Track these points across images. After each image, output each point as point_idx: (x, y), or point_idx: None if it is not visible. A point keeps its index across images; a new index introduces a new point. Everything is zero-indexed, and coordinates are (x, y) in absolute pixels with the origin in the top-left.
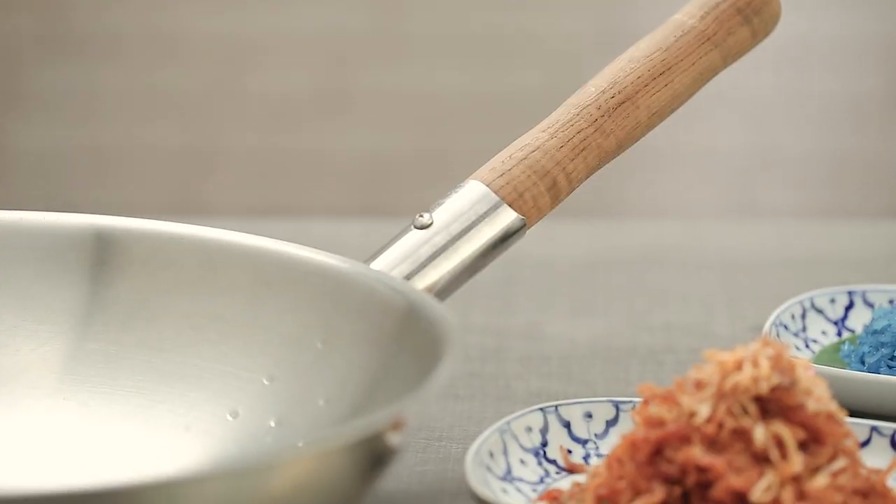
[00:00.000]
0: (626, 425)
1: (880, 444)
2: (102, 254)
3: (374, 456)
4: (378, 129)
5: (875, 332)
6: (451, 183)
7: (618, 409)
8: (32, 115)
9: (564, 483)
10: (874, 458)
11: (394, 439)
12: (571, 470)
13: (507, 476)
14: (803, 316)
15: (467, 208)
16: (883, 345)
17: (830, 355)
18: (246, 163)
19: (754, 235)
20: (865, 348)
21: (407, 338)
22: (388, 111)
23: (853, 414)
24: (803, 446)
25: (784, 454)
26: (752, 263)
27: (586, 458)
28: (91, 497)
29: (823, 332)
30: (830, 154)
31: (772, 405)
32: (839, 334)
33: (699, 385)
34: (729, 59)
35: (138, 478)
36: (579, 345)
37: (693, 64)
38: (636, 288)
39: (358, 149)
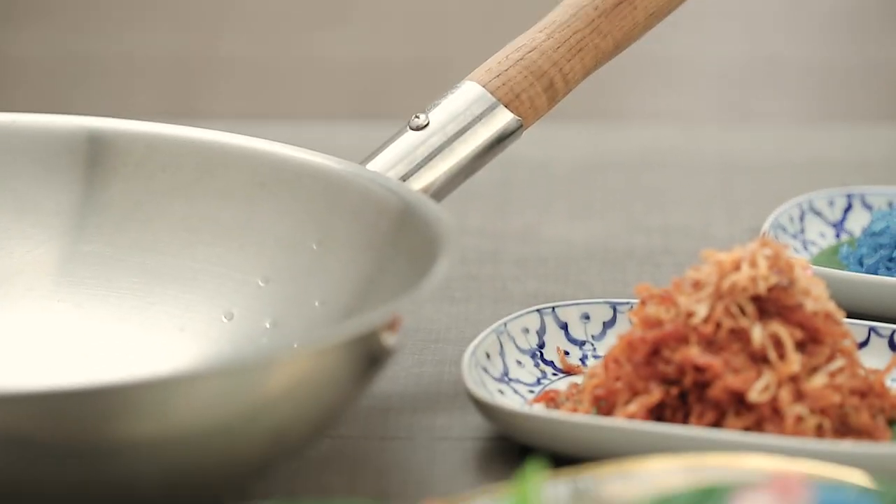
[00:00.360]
0: (624, 326)
1: (878, 345)
2: (96, 156)
3: (370, 356)
4: (375, 34)
5: (874, 233)
6: (448, 89)
7: (615, 310)
8: (27, 22)
9: (561, 384)
10: (872, 359)
11: (389, 339)
12: (568, 371)
13: (504, 377)
14: (801, 218)
15: (463, 109)
16: (881, 246)
17: (829, 258)
18: (243, 69)
19: (753, 139)
20: (864, 250)
21: (403, 238)
22: (386, 17)
23: (851, 316)
24: (801, 346)
25: (782, 354)
26: (750, 167)
27: (583, 359)
28: (87, 395)
29: (822, 235)
30: (829, 61)
31: (770, 305)
32: (837, 236)
33: (697, 285)
34: None
35: (134, 376)
36: (576, 247)
37: None
38: (634, 190)
39: (355, 55)
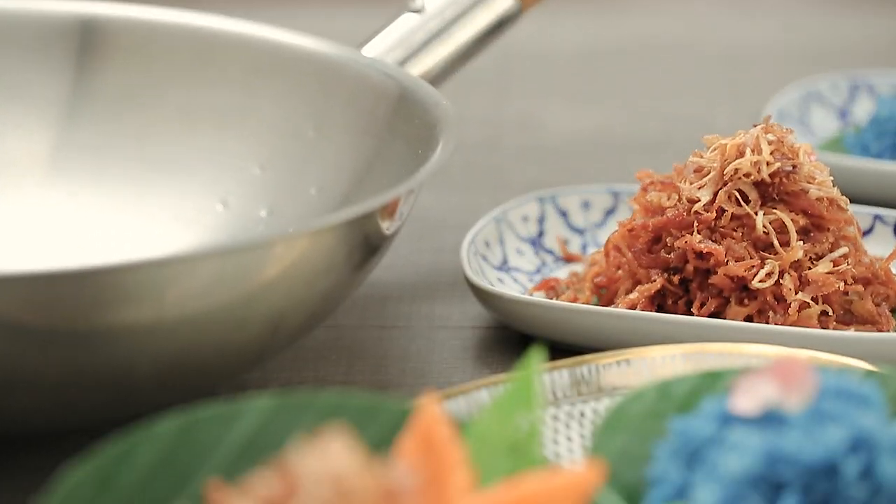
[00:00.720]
0: (625, 214)
1: (883, 233)
2: (89, 43)
3: (367, 242)
4: None
5: (879, 120)
6: None
7: (616, 197)
8: None
9: (562, 273)
10: (877, 247)
11: (386, 226)
12: (569, 259)
13: (504, 266)
14: (805, 105)
15: None
16: (887, 133)
17: (833, 144)
18: None
19: (756, 25)
20: (869, 136)
21: (400, 124)
22: None
23: (856, 203)
24: (805, 233)
25: (785, 241)
26: (752, 52)
27: (584, 247)
28: (80, 277)
29: (826, 121)
30: None
31: (773, 191)
32: (842, 123)
33: (699, 171)
34: None
35: (128, 259)
36: (577, 135)
37: None
38: (634, 78)
39: None
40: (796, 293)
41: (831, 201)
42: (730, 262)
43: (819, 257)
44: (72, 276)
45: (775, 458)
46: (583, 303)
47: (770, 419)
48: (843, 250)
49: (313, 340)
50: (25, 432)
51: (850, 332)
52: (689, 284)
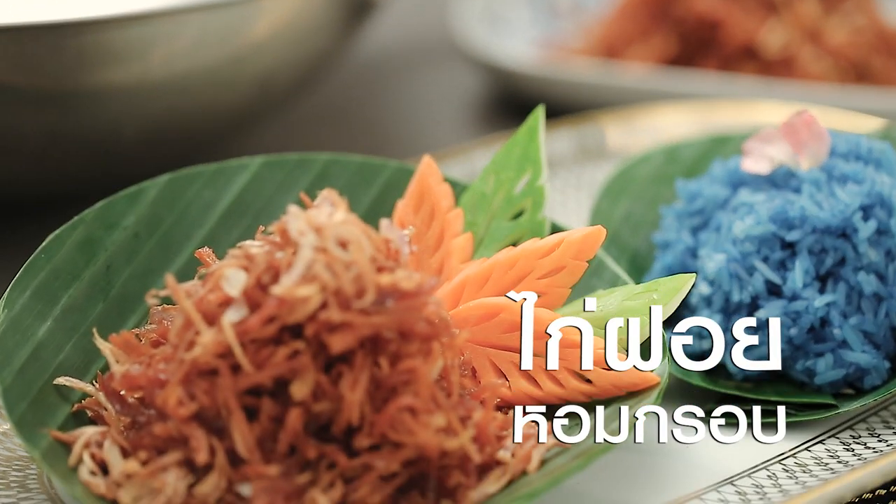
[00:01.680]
0: None
1: None
2: None
3: (357, 1)
4: None
5: None
6: None
7: None
8: None
9: (561, 29)
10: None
11: None
12: (569, 16)
13: (500, 25)
14: None
15: None
16: None
17: None
18: None
19: None
20: None
21: None
22: None
23: None
24: None
25: (798, 1)
26: None
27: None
28: (63, 31)
29: None
30: None
31: None
32: None
33: None
34: None
35: (112, 12)
36: None
37: None
38: None
39: None
40: (809, 56)
41: None
42: (740, 24)
43: (833, 15)
44: (55, 30)
45: (786, 221)
46: (588, 62)
47: (781, 180)
48: (860, 11)
49: (305, 108)
50: (11, 199)
51: (866, 88)
52: (699, 47)
